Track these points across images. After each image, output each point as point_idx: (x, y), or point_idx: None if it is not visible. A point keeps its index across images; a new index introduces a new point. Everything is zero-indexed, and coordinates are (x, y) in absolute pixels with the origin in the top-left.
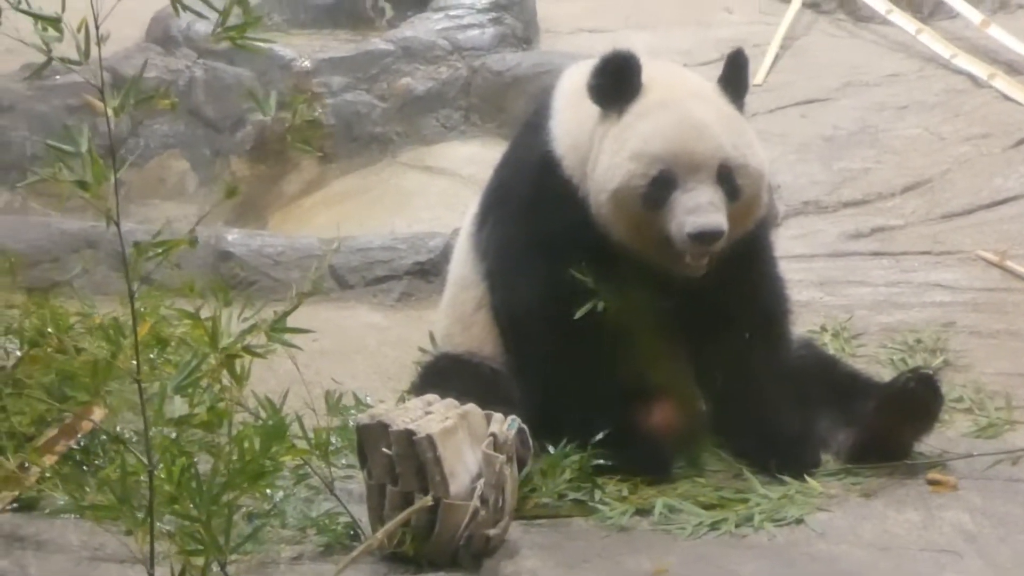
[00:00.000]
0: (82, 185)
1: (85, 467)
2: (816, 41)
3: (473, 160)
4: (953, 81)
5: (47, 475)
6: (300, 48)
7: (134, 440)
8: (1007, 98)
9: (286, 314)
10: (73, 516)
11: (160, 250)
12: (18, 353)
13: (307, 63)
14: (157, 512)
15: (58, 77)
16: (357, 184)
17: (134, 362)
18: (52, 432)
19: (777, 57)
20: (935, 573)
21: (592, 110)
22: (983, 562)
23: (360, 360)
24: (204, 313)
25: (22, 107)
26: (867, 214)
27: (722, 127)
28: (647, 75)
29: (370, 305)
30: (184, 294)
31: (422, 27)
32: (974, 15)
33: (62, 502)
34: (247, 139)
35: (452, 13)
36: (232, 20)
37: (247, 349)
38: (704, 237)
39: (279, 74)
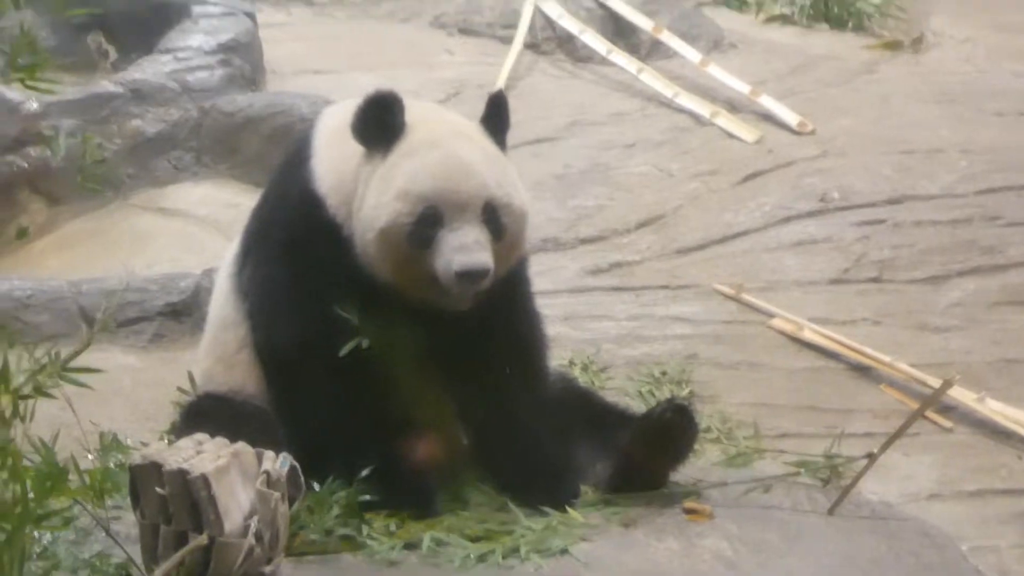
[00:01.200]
0: None
1: None
2: (539, 82)
3: (206, 201)
4: (676, 119)
5: None
6: (25, 91)
7: None
8: (730, 135)
9: (76, 353)
10: None
11: None
12: None
13: (35, 105)
14: None
15: None
16: (89, 227)
17: None
18: None
19: None
20: None
21: (355, 149)
22: None
23: (117, 402)
24: None
25: None
26: (604, 250)
27: (486, 166)
28: (410, 115)
29: (123, 347)
30: None
31: (151, 69)
32: (693, 55)
33: None
34: None
35: (180, 55)
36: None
37: (38, 389)
38: (471, 275)
39: (7, 117)
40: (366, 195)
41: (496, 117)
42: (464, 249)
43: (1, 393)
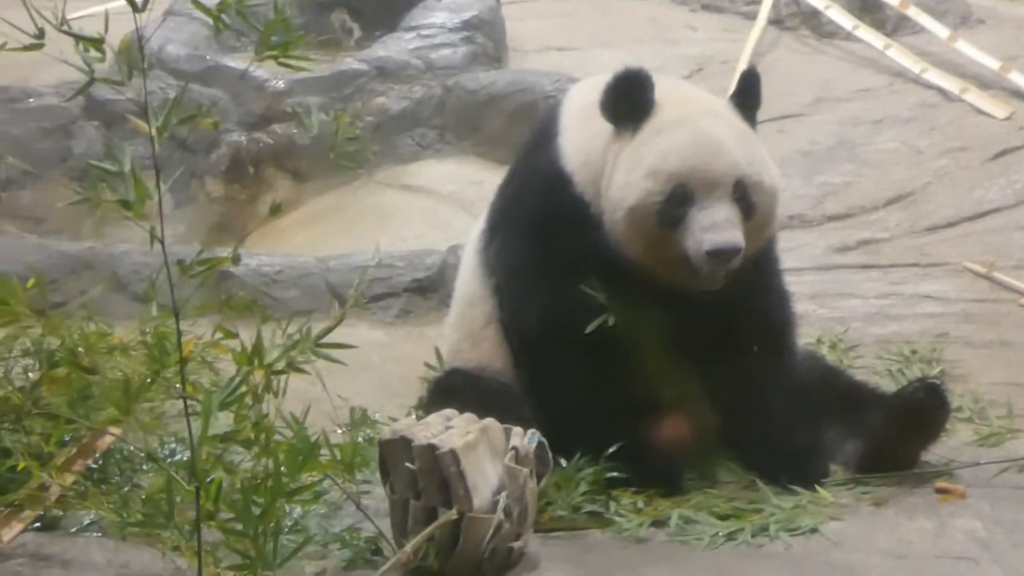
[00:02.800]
0: (125, 204)
1: (103, 485)
2: (782, 57)
3: (450, 178)
4: (924, 95)
5: (68, 494)
6: (272, 69)
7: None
8: (980, 111)
9: (329, 329)
10: (95, 534)
11: (203, 268)
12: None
13: (281, 83)
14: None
15: (31, 100)
16: (333, 203)
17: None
18: (72, 451)
19: None
20: None
21: (603, 127)
22: (1000, 568)
23: (365, 377)
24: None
25: None
26: (852, 227)
27: (737, 144)
28: (659, 92)
29: (370, 323)
30: (197, 315)
31: (394, 47)
32: (941, 30)
33: (87, 520)
34: (222, 160)
35: (424, 33)
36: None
37: (291, 365)
38: (722, 254)
39: (253, 95)
40: (614, 173)
41: (747, 94)
42: (715, 228)
43: (255, 369)
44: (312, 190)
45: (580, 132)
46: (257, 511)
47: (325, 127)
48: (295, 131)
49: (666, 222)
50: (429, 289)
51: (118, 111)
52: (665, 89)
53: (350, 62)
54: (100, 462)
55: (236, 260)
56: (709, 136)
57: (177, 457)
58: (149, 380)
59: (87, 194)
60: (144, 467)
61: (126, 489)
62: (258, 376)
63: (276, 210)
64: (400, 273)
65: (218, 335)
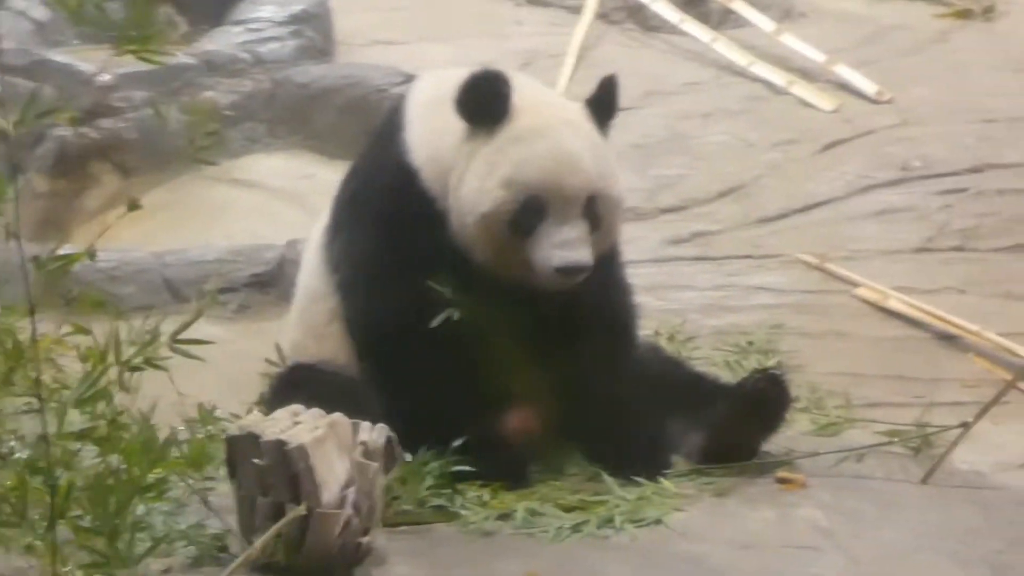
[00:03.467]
0: None
1: None
2: (609, 51)
3: (280, 173)
4: (752, 88)
5: None
6: (99, 63)
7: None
8: (807, 104)
9: (187, 325)
10: None
11: (58, 264)
12: None
13: (108, 77)
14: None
15: None
16: (163, 198)
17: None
18: None
19: (574, 68)
20: (799, 569)
21: (452, 123)
22: (843, 557)
23: (205, 373)
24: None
25: None
26: (685, 220)
27: (592, 158)
28: (517, 95)
29: (208, 318)
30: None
31: (223, 40)
32: (766, 23)
33: None
34: (48, 154)
35: (251, 27)
36: None
37: (149, 361)
38: (571, 272)
39: (80, 89)
40: (467, 174)
41: (604, 101)
42: (566, 245)
43: (112, 365)
44: (140, 185)
45: (427, 127)
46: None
47: (152, 123)
48: (122, 125)
49: (517, 231)
50: (268, 284)
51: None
52: (523, 92)
53: (178, 56)
54: None
55: (92, 256)
56: (566, 151)
57: (16, 455)
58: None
59: None
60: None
61: None
62: (112, 374)
63: (135, 206)
64: (238, 268)
65: (64, 331)
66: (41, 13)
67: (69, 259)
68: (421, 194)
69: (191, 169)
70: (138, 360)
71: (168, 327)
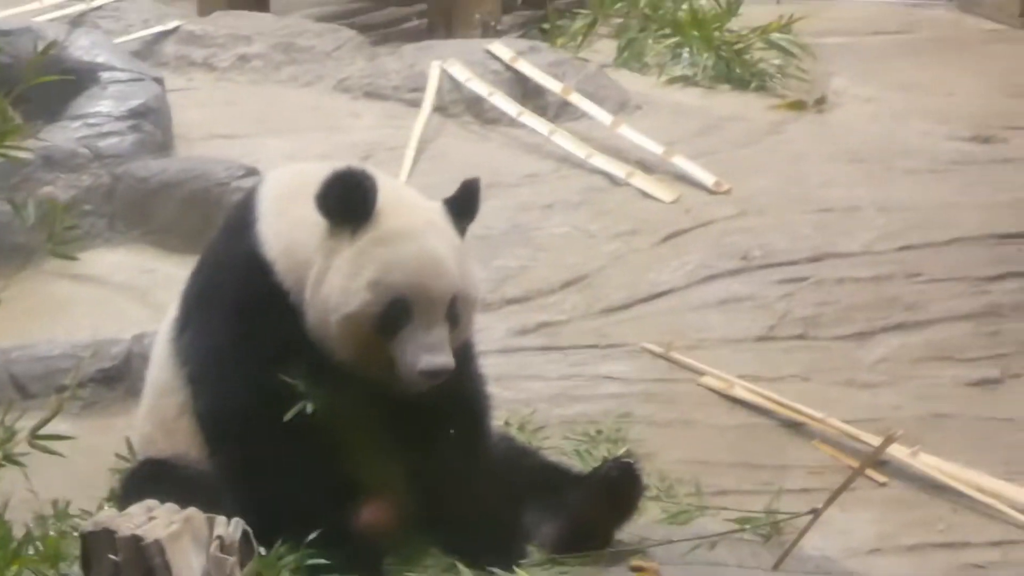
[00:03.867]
0: None
1: None
2: (448, 144)
3: (121, 267)
4: (591, 180)
5: None
6: None
7: None
8: (647, 195)
9: (46, 420)
10: None
11: None
12: None
13: None
14: None
15: None
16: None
17: None
18: None
19: (414, 160)
20: None
21: (309, 218)
22: None
23: (53, 470)
24: None
25: None
26: (530, 310)
27: (454, 261)
28: (379, 195)
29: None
30: None
31: (61, 135)
32: (604, 116)
33: None
34: None
35: (90, 121)
36: None
37: (8, 457)
38: (434, 375)
39: None
40: (328, 273)
41: (465, 202)
42: (431, 349)
43: None
44: None
45: (280, 220)
46: None
47: None
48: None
49: (382, 333)
50: (115, 379)
51: None
52: (384, 191)
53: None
54: None
55: None
56: (432, 255)
57: None
58: None
59: None
60: None
61: None
62: None
63: None
64: (85, 363)
65: None
66: None
67: None
68: (274, 287)
69: (29, 265)
70: None
71: (20, 424)
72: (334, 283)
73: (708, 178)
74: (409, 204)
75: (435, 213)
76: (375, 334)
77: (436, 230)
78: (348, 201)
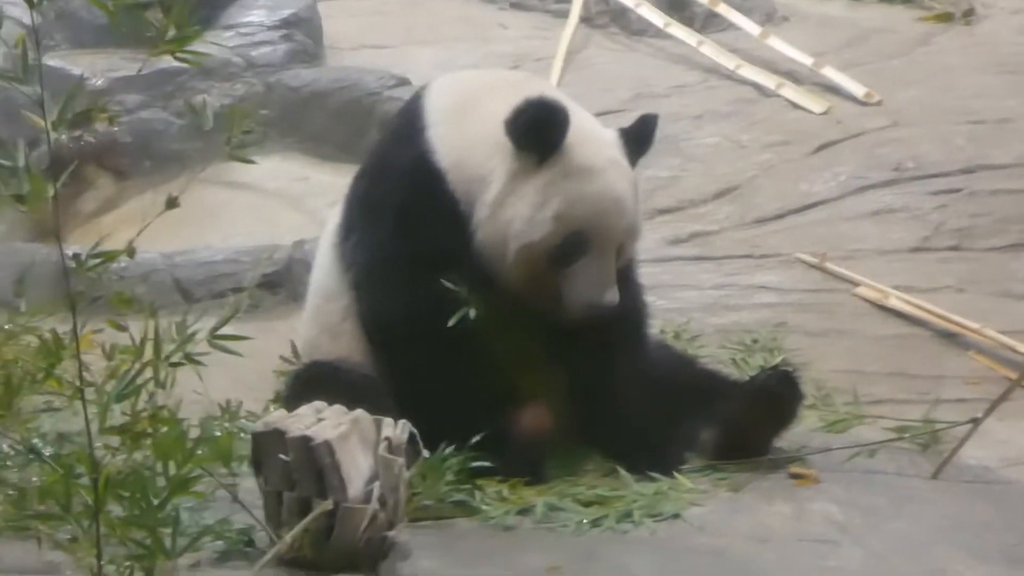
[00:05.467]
0: (19, 199)
1: None
2: (595, 55)
3: (274, 175)
4: (740, 91)
5: None
6: (90, 67)
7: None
8: (797, 106)
9: (225, 321)
10: None
11: (97, 262)
12: None
13: (101, 81)
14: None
15: None
16: (157, 201)
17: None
18: None
19: (562, 71)
20: (817, 562)
21: (485, 134)
22: (860, 550)
23: (218, 372)
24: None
25: None
26: (682, 220)
27: (633, 199)
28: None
29: (217, 317)
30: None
31: (214, 45)
32: (752, 27)
33: None
34: (43, 158)
35: (243, 31)
36: None
37: (189, 357)
38: (599, 310)
39: (73, 92)
40: (512, 199)
41: (640, 137)
42: (599, 285)
43: (151, 361)
44: (133, 188)
45: (453, 130)
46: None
47: (145, 127)
48: (116, 129)
49: (555, 262)
50: (277, 284)
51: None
52: (573, 123)
53: (170, 60)
54: None
55: (131, 254)
56: (615, 195)
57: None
58: (42, 375)
59: None
60: (9, 463)
61: None
62: (151, 370)
63: (173, 203)
64: (246, 268)
65: (93, 329)
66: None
67: (109, 256)
68: (444, 195)
69: (185, 172)
70: (177, 356)
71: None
72: (518, 210)
73: (858, 89)
74: (595, 138)
75: (616, 148)
76: (549, 264)
77: (618, 167)
78: (539, 131)
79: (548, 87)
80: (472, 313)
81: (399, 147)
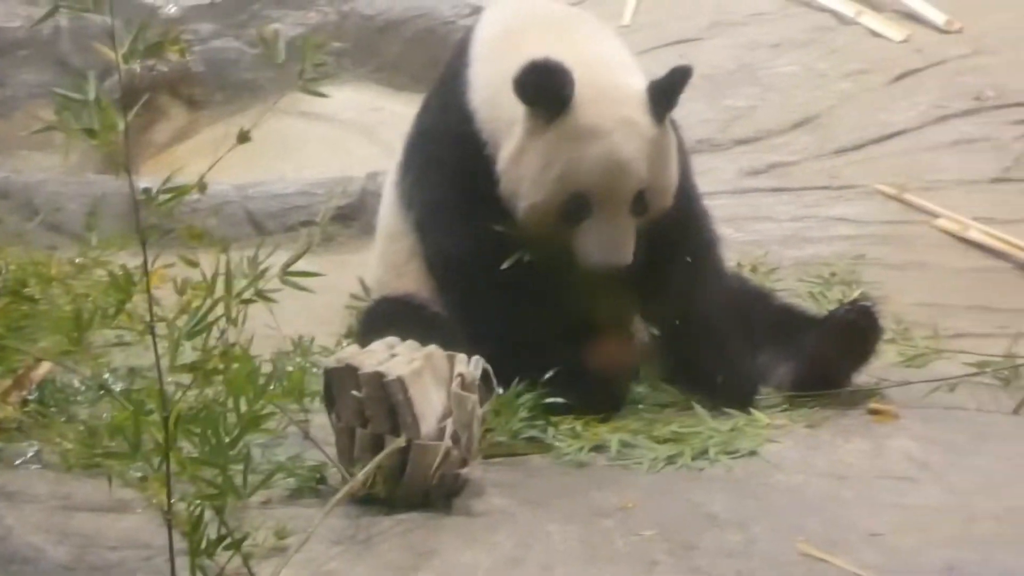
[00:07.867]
0: (90, 133)
1: (42, 416)
2: None
3: (349, 105)
4: (818, 18)
5: (10, 426)
6: None
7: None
8: (876, 34)
9: (297, 257)
10: (35, 467)
11: (168, 197)
12: None
13: (174, 9)
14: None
15: None
16: (230, 132)
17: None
18: (7, 383)
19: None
20: (896, 500)
21: (515, 64)
22: (940, 487)
23: (290, 306)
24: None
25: None
26: (760, 151)
27: (644, 157)
28: (579, 84)
29: (290, 251)
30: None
31: None
32: None
33: (29, 452)
34: (115, 88)
35: None
36: None
37: (260, 293)
38: (608, 269)
39: (146, 22)
40: (525, 157)
41: (667, 91)
42: (605, 245)
43: (223, 298)
44: (207, 118)
45: (489, 67)
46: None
47: (218, 56)
48: (189, 59)
49: (564, 220)
50: (350, 217)
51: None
52: (583, 79)
53: None
54: (36, 394)
55: (203, 189)
56: (618, 157)
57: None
58: (113, 310)
59: (53, 122)
60: (80, 399)
61: (63, 420)
62: (222, 307)
63: (244, 137)
64: (320, 201)
65: (164, 264)
66: None
67: (180, 191)
68: (471, 136)
69: (259, 102)
70: (249, 293)
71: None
72: (527, 170)
73: (939, 16)
74: (608, 96)
75: (632, 105)
76: (557, 223)
77: (628, 127)
78: (543, 92)
79: (588, 28)
80: (527, 257)
81: (444, 85)
